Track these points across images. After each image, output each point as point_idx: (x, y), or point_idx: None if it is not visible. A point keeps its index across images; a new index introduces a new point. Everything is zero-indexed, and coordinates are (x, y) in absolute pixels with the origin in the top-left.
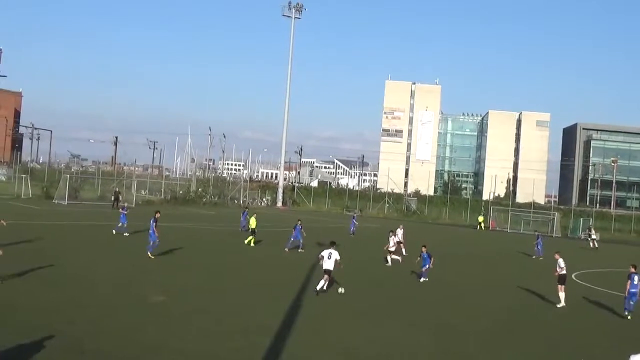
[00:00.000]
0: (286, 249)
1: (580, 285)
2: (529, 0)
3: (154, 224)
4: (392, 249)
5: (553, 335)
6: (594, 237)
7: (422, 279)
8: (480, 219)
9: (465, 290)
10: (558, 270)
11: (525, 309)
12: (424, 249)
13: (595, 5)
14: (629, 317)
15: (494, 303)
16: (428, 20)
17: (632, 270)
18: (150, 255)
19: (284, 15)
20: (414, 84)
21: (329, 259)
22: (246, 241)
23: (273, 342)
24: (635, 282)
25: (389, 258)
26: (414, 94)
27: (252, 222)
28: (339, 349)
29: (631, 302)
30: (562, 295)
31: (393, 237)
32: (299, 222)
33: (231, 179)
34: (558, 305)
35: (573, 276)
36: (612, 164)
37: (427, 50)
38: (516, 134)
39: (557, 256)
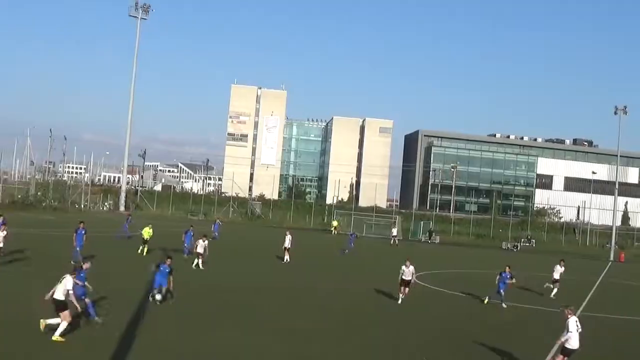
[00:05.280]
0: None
1: (420, 286)
2: (371, 7)
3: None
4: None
5: (394, 334)
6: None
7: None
8: (335, 223)
9: (307, 293)
10: (408, 276)
11: (368, 308)
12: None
13: (434, 14)
14: (487, 303)
15: (337, 304)
16: (274, 25)
17: (508, 270)
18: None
19: (130, 15)
20: (260, 88)
21: None
22: (139, 251)
23: (116, 352)
24: (508, 280)
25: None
26: (260, 98)
27: (146, 233)
28: (183, 354)
29: (500, 292)
30: (401, 295)
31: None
32: (191, 228)
33: (72, 182)
34: (399, 302)
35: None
36: (452, 169)
37: (273, 56)
38: (360, 139)
39: (408, 263)
